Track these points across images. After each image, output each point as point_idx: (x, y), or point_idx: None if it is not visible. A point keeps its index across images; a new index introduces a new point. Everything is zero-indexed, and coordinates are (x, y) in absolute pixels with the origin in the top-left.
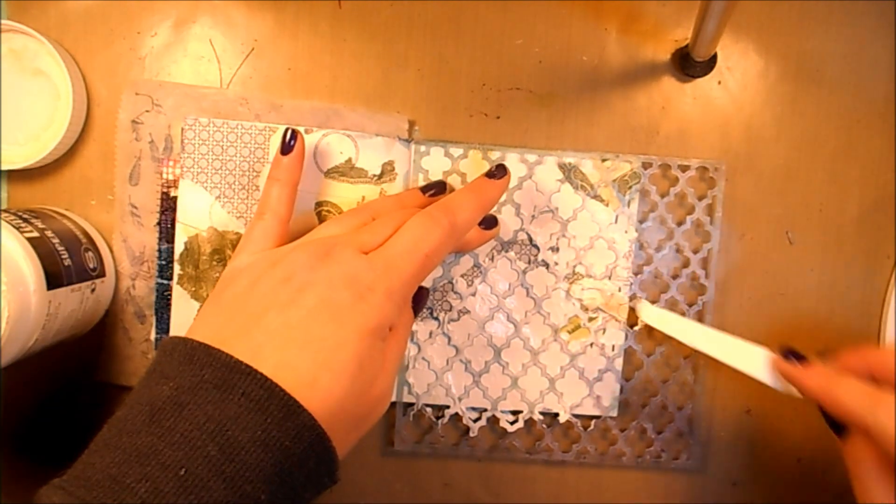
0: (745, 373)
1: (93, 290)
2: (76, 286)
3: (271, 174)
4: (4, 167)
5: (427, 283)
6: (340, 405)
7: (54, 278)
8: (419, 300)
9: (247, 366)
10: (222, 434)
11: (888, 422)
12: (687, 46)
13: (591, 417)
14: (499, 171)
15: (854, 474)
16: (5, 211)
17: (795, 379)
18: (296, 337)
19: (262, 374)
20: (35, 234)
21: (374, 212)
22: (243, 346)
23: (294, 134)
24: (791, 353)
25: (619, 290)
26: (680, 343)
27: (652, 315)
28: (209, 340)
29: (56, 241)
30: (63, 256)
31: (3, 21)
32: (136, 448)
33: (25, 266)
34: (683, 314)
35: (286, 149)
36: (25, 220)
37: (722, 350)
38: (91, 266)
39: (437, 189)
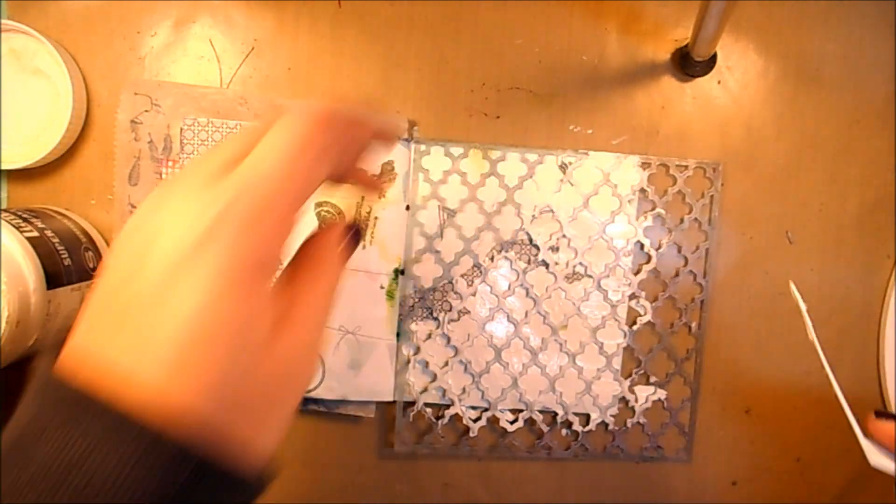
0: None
1: None
2: (76, 286)
3: None
4: (4, 167)
5: (427, 284)
6: (223, 386)
7: (54, 278)
8: (355, 238)
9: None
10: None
11: None
12: (687, 46)
13: (591, 416)
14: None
15: None
16: (5, 211)
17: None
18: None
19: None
20: (35, 233)
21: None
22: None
23: None
24: (881, 413)
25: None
26: (679, 340)
27: None
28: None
29: (56, 240)
30: (63, 256)
31: (3, 21)
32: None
33: (25, 265)
34: (681, 313)
35: None
36: (25, 220)
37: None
38: (91, 265)
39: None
